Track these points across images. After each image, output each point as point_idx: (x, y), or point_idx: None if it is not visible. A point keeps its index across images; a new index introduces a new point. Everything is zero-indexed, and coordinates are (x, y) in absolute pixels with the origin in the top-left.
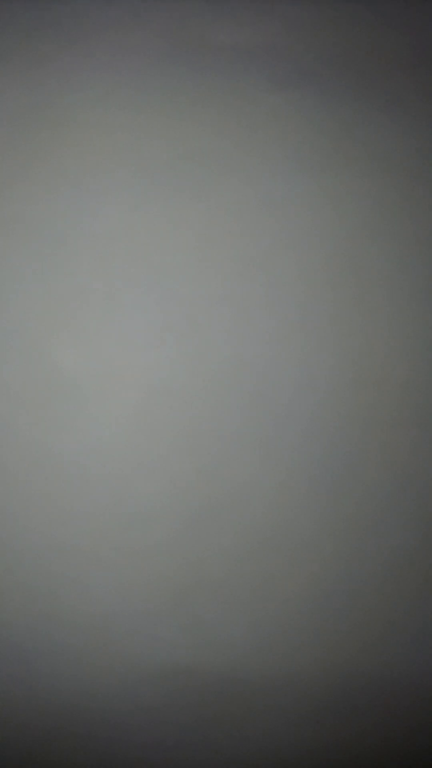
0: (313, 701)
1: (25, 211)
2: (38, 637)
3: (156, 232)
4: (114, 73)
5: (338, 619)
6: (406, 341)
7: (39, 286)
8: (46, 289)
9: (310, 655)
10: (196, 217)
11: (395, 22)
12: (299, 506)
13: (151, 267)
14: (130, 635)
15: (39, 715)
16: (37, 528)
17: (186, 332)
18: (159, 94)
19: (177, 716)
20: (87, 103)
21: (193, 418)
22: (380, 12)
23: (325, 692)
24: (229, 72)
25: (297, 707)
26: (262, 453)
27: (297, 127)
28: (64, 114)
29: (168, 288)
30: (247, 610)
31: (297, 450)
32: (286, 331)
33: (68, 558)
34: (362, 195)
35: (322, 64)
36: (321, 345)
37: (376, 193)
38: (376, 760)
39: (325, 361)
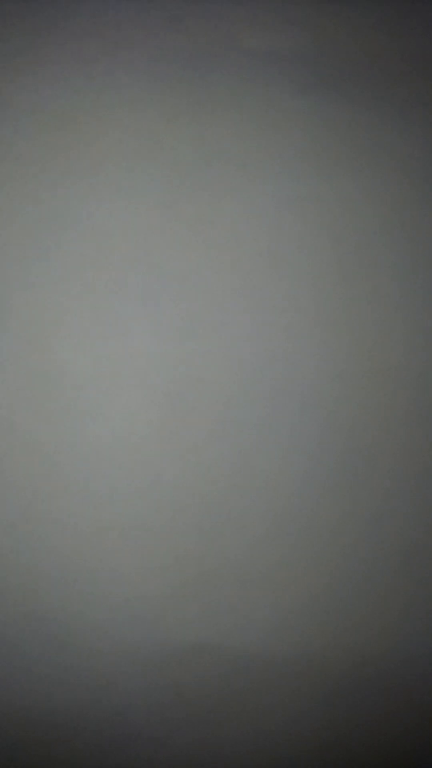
0: (331, 682)
1: (44, 210)
2: (64, 617)
3: (178, 229)
4: (138, 75)
5: (358, 601)
6: (419, 335)
7: (67, 280)
8: (75, 284)
9: (330, 636)
10: (218, 215)
11: (421, 29)
12: (318, 496)
13: (174, 263)
14: (158, 615)
15: (62, 692)
16: (66, 514)
17: (206, 327)
18: (183, 96)
19: (198, 694)
20: (111, 105)
21: (214, 410)
22: (406, 18)
23: (344, 672)
24: (251, 75)
25: (314, 688)
26: (282, 444)
27: (318, 130)
28: (88, 115)
29: (188, 283)
30: (267, 594)
31: (316, 441)
32: (304, 326)
33: (96, 544)
34: (384, 197)
35: (346, 69)
36: (338, 339)
37: (398, 195)
38: (395, 741)
39: (341, 355)
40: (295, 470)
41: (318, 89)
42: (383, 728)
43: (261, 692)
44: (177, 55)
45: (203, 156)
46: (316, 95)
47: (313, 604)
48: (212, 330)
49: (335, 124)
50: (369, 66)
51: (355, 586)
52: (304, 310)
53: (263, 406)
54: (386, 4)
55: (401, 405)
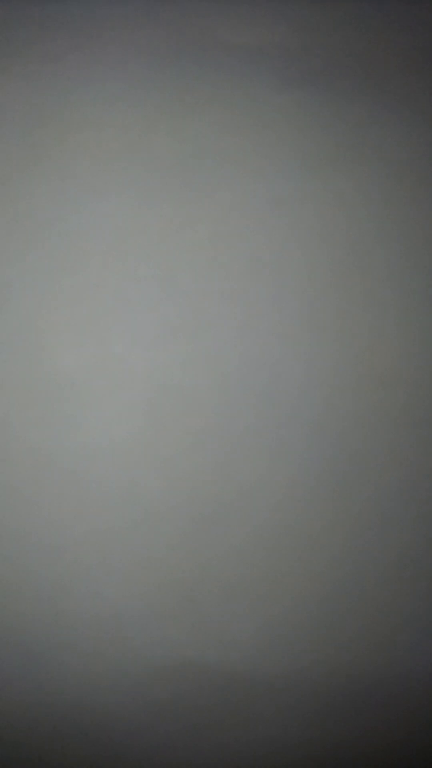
0: (319, 700)
1: (28, 209)
2: (46, 636)
3: (162, 230)
4: (122, 72)
5: (345, 619)
6: (412, 339)
7: (44, 284)
8: (53, 288)
9: (316, 654)
10: (203, 215)
11: (403, 23)
12: (306, 505)
13: (157, 265)
14: (139, 633)
15: (48, 712)
16: (44, 528)
17: (191, 331)
18: (167, 93)
19: (184, 712)
20: (93, 101)
21: (199, 417)
22: (388, 13)
23: (330, 691)
24: (237, 71)
25: (302, 705)
26: (268, 452)
27: (304, 127)
28: (70, 112)
29: (173, 286)
30: (253, 609)
31: (304, 449)
32: (292, 329)
33: (76, 558)
34: (369, 194)
35: (329, 64)
36: (328, 343)
37: (383, 192)
38: (381, 760)
39: (331, 360)
40: (282, 480)
41: (302, 85)
42: (375, 746)
43: (249, 710)
44: (159, 51)
45: (185, 154)
46: (301, 91)
47: (301, 619)
48: (197, 335)
49: (320, 120)
50: (354, 61)
51: (345, 600)
52: (291, 314)
53: (250, 413)
54: None
55: (394, 413)
